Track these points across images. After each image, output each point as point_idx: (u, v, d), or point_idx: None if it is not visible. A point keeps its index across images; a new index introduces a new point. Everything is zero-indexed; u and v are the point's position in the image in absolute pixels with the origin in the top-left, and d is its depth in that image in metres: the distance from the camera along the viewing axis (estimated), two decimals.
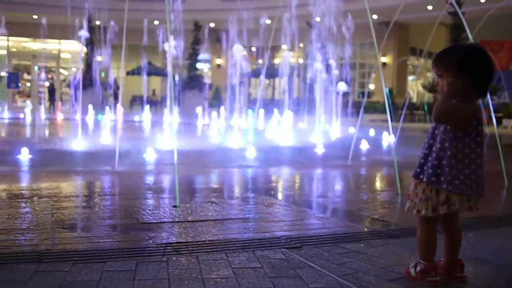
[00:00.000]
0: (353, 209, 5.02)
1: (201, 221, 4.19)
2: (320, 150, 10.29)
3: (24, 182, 6.46)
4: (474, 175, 2.67)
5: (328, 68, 18.18)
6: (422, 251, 2.85)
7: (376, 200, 5.54)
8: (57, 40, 31.44)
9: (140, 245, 3.48)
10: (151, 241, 3.56)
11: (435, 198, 2.71)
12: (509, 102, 23.99)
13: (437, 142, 2.71)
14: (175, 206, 4.70)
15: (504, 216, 4.76)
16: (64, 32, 26.99)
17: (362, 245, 3.60)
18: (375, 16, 27.42)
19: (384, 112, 27.27)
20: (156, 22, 24.64)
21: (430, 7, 24.96)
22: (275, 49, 25.65)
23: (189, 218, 4.30)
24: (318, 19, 22.60)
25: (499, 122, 22.97)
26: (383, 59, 29.45)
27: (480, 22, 24.08)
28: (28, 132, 15.35)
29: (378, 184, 7.27)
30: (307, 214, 4.71)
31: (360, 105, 28.59)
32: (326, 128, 15.95)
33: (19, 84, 30.35)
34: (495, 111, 23.89)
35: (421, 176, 2.75)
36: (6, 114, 20.28)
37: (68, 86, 31.06)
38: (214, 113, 16.22)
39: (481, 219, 4.38)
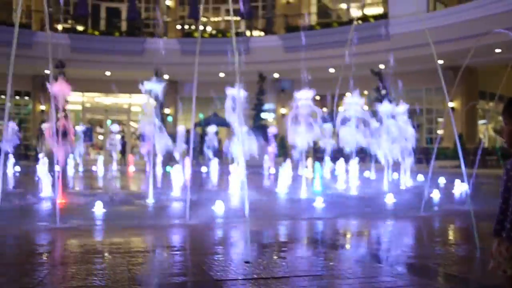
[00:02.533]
0: (429, 264, 4.85)
1: (274, 278, 4.17)
2: (390, 200, 10.08)
3: (99, 237, 6.64)
4: None
5: (394, 114, 17.96)
6: None
7: (453, 255, 5.34)
8: (127, 94, 32.78)
9: None
10: None
11: None
12: None
13: None
14: (247, 262, 4.70)
15: None
16: (134, 86, 28.16)
17: None
18: (441, 61, 27.10)
19: (454, 158, 26.51)
20: (221, 75, 25.30)
21: (498, 50, 24.42)
22: (339, 97, 25.72)
23: (261, 275, 4.28)
24: (382, 66, 22.59)
25: None
26: (451, 104, 28.83)
27: None
28: (101, 185, 15.88)
29: (454, 237, 7.02)
30: (380, 270, 4.59)
31: (428, 152, 28.00)
32: (394, 177, 15.65)
33: (93, 138, 31.65)
34: None
35: (502, 233, 2.64)
36: (80, 167, 21.11)
37: (138, 138, 32.08)
38: (280, 162, 16.26)
39: None
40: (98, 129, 34.11)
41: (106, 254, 5.23)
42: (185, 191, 11.27)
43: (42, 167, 11.62)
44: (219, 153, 26.63)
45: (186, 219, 7.39)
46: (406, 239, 6.65)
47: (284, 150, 26.57)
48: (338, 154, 18.41)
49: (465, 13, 22.88)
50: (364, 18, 28.33)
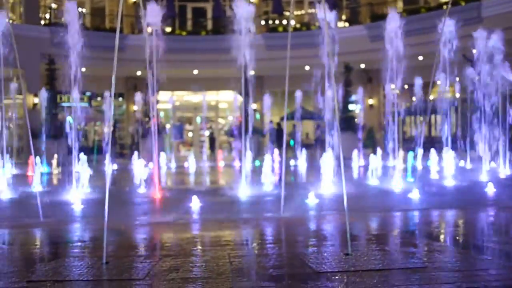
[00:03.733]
0: None
1: (377, 270, 4.11)
2: (490, 190, 9.64)
3: (198, 231, 6.83)
4: None
5: (489, 101, 17.16)
6: None
7: None
8: (215, 92, 33.44)
9: None
10: None
11: None
12: None
13: None
14: (347, 254, 4.67)
15: None
16: (221, 83, 28.69)
17: None
18: None
19: None
20: (307, 68, 25.18)
21: None
22: (430, 85, 24.90)
23: (364, 267, 4.24)
24: (475, 51, 21.62)
25: None
26: None
27: None
28: (194, 180, 16.33)
29: None
30: (487, 263, 4.41)
31: None
32: (492, 166, 14.95)
33: (183, 136, 32.58)
34: None
35: None
36: (173, 164, 21.77)
37: (226, 134, 32.67)
38: (369, 154, 15.98)
39: None
40: (188, 127, 35.07)
41: (207, 247, 5.38)
42: (278, 184, 11.38)
43: (138, 165, 12.14)
44: (306, 145, 26.61)
45: (280, 212, 7.44)
46: (509, 231, 6.35)
47: (372, 141, 26.12)
48: (430, 143, 17.88)
49: None
50: (455, 2, 27.23)
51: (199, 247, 5.38)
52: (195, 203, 8.46)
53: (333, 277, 3.95)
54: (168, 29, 30.56)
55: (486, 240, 5.62)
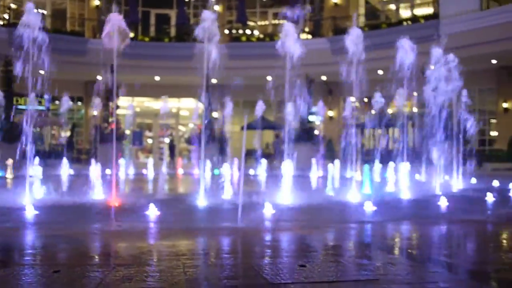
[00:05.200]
0: (487, 270, 4.73)
1: (331, 282, 4.15)
2: (443, 203, 9.86)
3: (153, 240, 6.76)
4: None
5: (445, 116, 17.60)
6: None
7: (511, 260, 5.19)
8: (176, 99, 33.27)
9: None
10: None
11: None
12: None
13: None
14: (302, 265, 4.70)
15: None
16: (182, 91, 28.58)
17: None
18: (495, 61, 26.39)
19: (508, 160, 25.78)
20: (269, 78, 25.30)
21: None
22: (388, 98, 25.33)
23: (317, 278, 4.27)
24: (432, 67, 22.17)
25: None
26: (505, 105, 28.03)
27: None
28: (152, 187, 16.18)
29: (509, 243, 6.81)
30: (437, 276, 4.50)
31: (480, 154, 27.25)
32: (445, 179, 15.31)
33: (142, 142, 32.26)
34: None
35: None
36: (131, 170, 21.53)
37: (187, 142, 32.53)
38: (328, 165, 16.17)
39: None
40: (147, 133, 34.76)
41: (161, 257, 5.33)
42: (235, 194, 11.37)
43: (94, 170, 11.94)
44: (266, 155, 26.69)
45: (236, 222, 7.44)
46: (462, 244, 6.51)
47: (331, 153, 26.43)
48: (387, 156, 18.20)
49: None
50: (414, 19, 27.89)
51: (154, 257, 5.33)
52: (152, 211, 8.38)
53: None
54: (131, 35, 30.30)
55: (436, 253, 5.75)
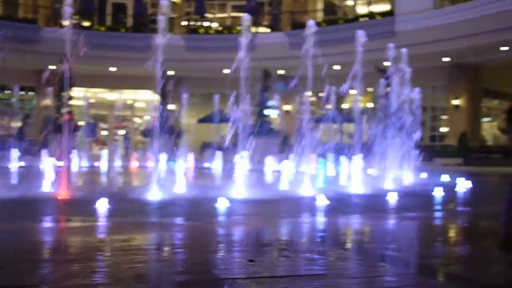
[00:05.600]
0: (432, 264, 4.86)
1: (278, 277, 4.18)
2: (392, 198, 10.06)
3: (103, 234, 6.66)
4: None
5: (398, 112, 17.94)
6: None
7: (457, 254, 5.34)
8: (132, 90, 32.83)
9: None
10: None
11: None
12: None
13: None
14: (251, 261, 4.71)
15: None
16: (138, 82, 28.21)
17: None
18: (447, 59, 27.03)
19: (458, 156, 26.43)
20: (226, 71, 25.24)
21: (504, 48, 24.32)
22: (344, 93, 25.66)
23: (265, 273, 4.29)
24: (387, 64, 22.55)
25: None
26: (455, 102, 28.79)
27: None
28: (103, 180, 15.93)
29: (457, 236, 7.01)
30: (383, 270, 4.60)
31: (432, 149, 27.91)
32: (397, 174, 15.61)
33: (96, 134, 31.69)
34: None
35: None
36: (84, 162, 21.14)
37: (142, 134, 32.16)
38: (283, 160, 16.26)
39: None
40: (102, 125, 34.20)
41: (108, 252, 5.25)
42: (188, 187, 11.32)
43: (45, 162, 11.67)
44: (222, 148, 26.63)
45: (188, 216, 7.41)
46: (409, 238, 6.65)
47: (287, 147, 26.58)
48: (342, 150, 18.42)
49: (472, 10, 22.77)
50: (371, 15, 28.28)
51: (102, 252, 5.24)
52: (103, 205, 8.25)
53: (234, 284, 3.97)
54: (86, 24, 29.67)
55: (385, 248, 5.85)
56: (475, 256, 5.30)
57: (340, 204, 9.60)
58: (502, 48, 24.39)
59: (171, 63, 25.87)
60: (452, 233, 7.27)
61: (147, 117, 33.16)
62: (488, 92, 30.35)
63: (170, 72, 26.79)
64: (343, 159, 15.48)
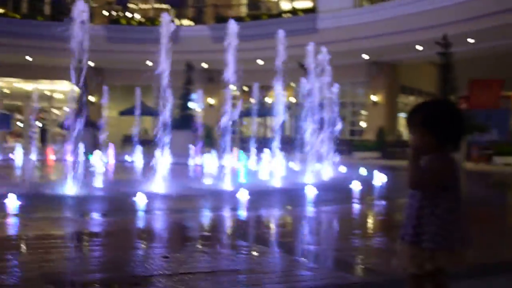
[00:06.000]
0: (346, 257, 4.99)
1: (191, 273, 4.16)
2: (311, 192, 10.25)
3: (11, 231, 6.37)
4: (454, 229, 2.69)
5: (319, 107, 18.31)
6: None
7: (370, 247, 5.52)
8: (49, 81, 31.63)
9: None
10: None
11: (420, 255, 2.72)
12: (499, 140, 24.23)
13: (416, 201, 2.74)
14: (165, 257, 4.66)
15: (497, 263, 4.74)
16: (57, 73, 27.21)
17: None
18: (366, 56, 27.86)
19: (376, 150, 27.32)
20: (149, 63, 24.82)
21: (420, 48, 25.37)
22: (267, 88, 25.88)
23: (179, 270, 4.26)
24: (309, 60, 23.01)
25: (489, 159, 23.14)
26: (374, 98, 29.76)
27: (468, 62, 24.50)
28: (17, 174, 15.28)
29: (372, 229, 7.24)
30: (298, 264, 4.68)
31: (351, 144, 28.71)
32: (317, 168, 15.95)
33: (10, 125, 30.29)
34: (485, 149, 24.10)
35: (405, 237, 2.77)
36: None
37: (60, 126, 31.08)
38: (206, 153, 16.26)
39: (475, 267, 4.38)
40: (17, 116, 32.76)
41: (17, 250, 5.04)
42: (106, 182, 11.07)
43: None
44: (144, 142, 26.19)
45: (103, 211, 7.24)
46: (325, 232, 6.81)
47: (210, 141, 26.54)
48: (264, 144, 18.60)
49: (389, 10, 23.56)
50: (294, 12, 28.67)
51: (10, 250, 5.02)
52: (13, 200, 7.89)
53: (145, 282, 3.91)
54: (0, 11, 28.29)
55: (302, 242, 5.96)
56: (389, 249, 5.49)
57: (260, 198, 9.68)
58: (417, 47, 25.41)
59: (91, 54, 25.11)
60: (367, 226, 7.49)
61: (65, 109, 32.07)
62: (404, 89, 31.58)
63: (90, 63, 26.03)
64: (265, 153, 15.64)
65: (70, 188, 9.71)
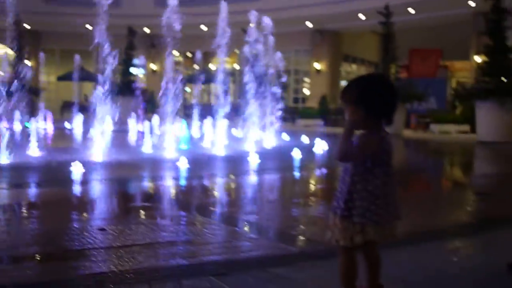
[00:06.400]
0: (285, 227, 5.04)
1: (128, 246, 4.09)
2: (253, 160, 10.28)
3: None
4: (385, 204, 2.75)
5: (263, 74, 18.29)
6: (344, 279, 2.90)
7: (309, 217, 5.57)
8: None
9: (60, 278, 3.34)
10: (72, 273, 3.43)
11: (351, 228, 2.77)
12: (436, 108, 24.99)
13: (348, 176, 2.77)
14: (102, 229, 4.57)
15: (427, 231, 4.90)
16: None
17: (289, 269, 3.61)
18: (310, 24, 27.91)
19: (319, 117, 27.68)
20: (89, 27, 24.02)
21: (362, 17, 25.61)
22: (211, 54, 25.58)
23: (115, 243, 4.19)
24: (252, 25, 22.85)
25: (427, 127, 23.87)
26: (317, 66, 29.97)
27: (409, 32, 24.95)
28: None
29: (312, 198, 7.32)
30: (237, 234, 4.69)
31: (295, 111, 28.94)
32: (260, 136, 16.00)
33: None
34: (423, 117, 24.84)
35: (337, 211, 2.81)
36: None
37: None
38: (148, 121, 15.97)
39: (409, 235, 4.53)
40: None
41: None
42: (44, 150, 10.74)
43: None
44: (84, 108, 25.47)
45: (39, 181, 7.04)
46: (266, 201, 6.84)
47: (153, 108, 26.13)
48: (207, 111, 18.47)
49: None
50: None
51: None
52: None
53: (80, 256, 3.83)
54: None
55: (241, 211, 5.96)
56: (327, 218, 5.57)
57: (202, 167, 9.65)
58: (360, 16, 25.65)
59: (27, 16, 24.14)
60: (307, 194, 7.56)
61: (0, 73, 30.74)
62: (347, 57, 31.95)
63: (26, 26, 24.97)
64: (208, 120, 15.53)
65: (3, 157, 9.36)
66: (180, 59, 30.69)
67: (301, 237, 4.59)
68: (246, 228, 4.98)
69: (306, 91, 31.89)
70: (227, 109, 16.53)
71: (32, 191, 6.85)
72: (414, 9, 23.85)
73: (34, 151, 10.52)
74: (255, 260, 3.78)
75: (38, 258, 3.79)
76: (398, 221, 2.86)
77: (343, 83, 31.86)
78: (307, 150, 12.27)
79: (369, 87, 2.78)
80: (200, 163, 10.01)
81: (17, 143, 11.58)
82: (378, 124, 2.78)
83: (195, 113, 18.96)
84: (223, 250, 4.06)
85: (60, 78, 30.15)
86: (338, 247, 2.91)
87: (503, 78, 17.24)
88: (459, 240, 4.52)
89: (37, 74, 28.57)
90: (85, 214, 5.45)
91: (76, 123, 19.07)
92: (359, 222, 2.74)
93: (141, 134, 17.10)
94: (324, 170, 10.15)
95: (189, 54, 30.47)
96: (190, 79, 27.29)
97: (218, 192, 7.45)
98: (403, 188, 8.46)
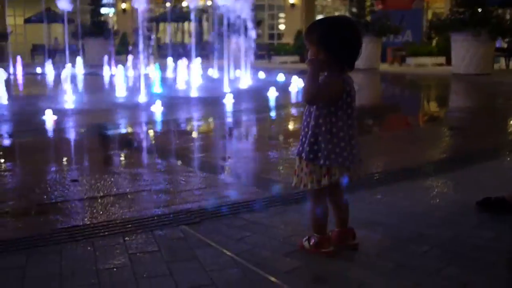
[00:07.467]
0: (258, 171, 5.05)
1: (100, 197, 4.06)
2: (229, 101, 10.20)
3: None
4: (349, 146, 2.77)
5: (237, 10, 17.88)
6: (314, 224, 2.93)
7: (284, 159, 5.56)
8: None
9: (32, 233, 3.31)
10: (45, 227, 3.41)
11: (318, 171, 2.77)
12: (412, 40, 24.89)
13: (312, 119, 2.76)
14: (74, 180, 4.53)
15: (398, 171, 4.94)
16: None
17: (261, 214, 3.63)
18: None
19: (294, 54, 27.41)
20: None
21: None
22: None
23: (87, 194, 4.15)
24: None
25: (403, 60, 23.84)
26: (292, 0, 29.41)
27: None
28: None
29: (289, 140, 7.28)
30: (210, 181, 4.68)
31: (270, 48, 28.57)
32: (236, 75, 15.84)
33: None
34: (399, 50, 24.73)
35: (302, 154, 2.81)
36: None
37: None
38: (120, 62, 15.67)
39: (379, 176, 4.58)
40: None
41: None
42: (12, 97, 10.51)
43: None
44: (55, 51, 24.89)
45: (8, 131, 6.90)
46: (240, 145, 6.83)
47: (125, 48, 25.56)
48: (181, 51, 18.15)
49: None
50: None
51: None
52: None
53: (52, 209, 3.80)
54: None
55: (212, 156, 5.95)
56: None
57: (176, 110, 9.55)
58: None
59: None
60: (282, 136, 7.55)
61: None
62: None
63: None
64: (182, 60, 15.27)
65: None
66: None
67: (275, 181, 4.60)
68: (220, 174, 4.98)
69: (282, 27, 31.43)
70: (201, 48, 16.24)
71: (0, 141, 6.72)
72: None
73: (2, 98, 10.28)
74: (228, 207, 3.79)
75: (10, 214, 3.75)
76: (361, 163, 2.88)
77: (319, 17, 31.44)
78: (283, 89, 12.20)
79: (331, 30, 2.73)
80: (175, 106, 9.90)
81: None
82: (341, 67, 2.75)
83: (169, 53, 18.61)
84: (197, 198, 4.05)
85: (27, 21, 29.17)
86: (308, 193, 2.92)
87: (478, 9, 17.13)
88: (431, 179, 4.57)
89: (3, 16, 27.59)
90: (57, 165, 5.37)
91: (46, 68, 18.62)
92: (324, 165, 2.75)
93: (113, 77, 16.82)
94: (300, 109, 10.13)
95: None
96: (162, 18, 26.62)
97: (193, 137, 7.40)
98: (378, 125, 8.52)
